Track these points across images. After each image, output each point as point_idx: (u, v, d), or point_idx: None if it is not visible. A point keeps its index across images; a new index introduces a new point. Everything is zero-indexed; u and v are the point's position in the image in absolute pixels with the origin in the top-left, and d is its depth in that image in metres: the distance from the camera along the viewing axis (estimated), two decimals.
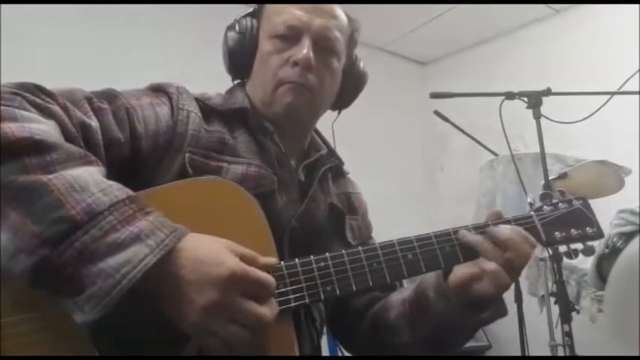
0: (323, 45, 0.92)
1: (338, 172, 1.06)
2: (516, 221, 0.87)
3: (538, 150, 1.75)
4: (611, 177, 2.01)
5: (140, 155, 0.79)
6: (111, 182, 0.65)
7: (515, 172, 1.82)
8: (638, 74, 1.81)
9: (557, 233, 0.88)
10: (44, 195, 0.59)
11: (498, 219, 0.87)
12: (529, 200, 0.96)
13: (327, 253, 0.77)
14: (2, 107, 0.65)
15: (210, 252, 0.64)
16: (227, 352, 0.64)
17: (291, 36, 0.91)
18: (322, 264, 0.76)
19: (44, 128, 0.65)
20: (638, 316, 1.10)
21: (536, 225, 0.88)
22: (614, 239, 1.90)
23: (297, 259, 0.75)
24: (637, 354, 1.04)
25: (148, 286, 0.61)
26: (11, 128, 0.62)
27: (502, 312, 0.86)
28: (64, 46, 2.41)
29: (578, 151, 2.17)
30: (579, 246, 0.91)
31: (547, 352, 2.18)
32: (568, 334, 1.73)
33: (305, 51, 0.89)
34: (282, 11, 0.93)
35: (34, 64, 2.09)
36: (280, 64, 0.91)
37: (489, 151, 2.39)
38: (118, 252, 0.59)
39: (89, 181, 0.62)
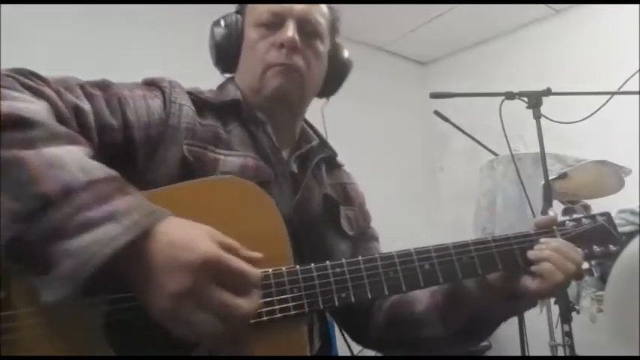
0: (307, 28, 0.94)
1: (332, 163, 1.07)
2: (537, 236, 0.86)
3: (538, 150, 1.75)
4: (611, 177, 2.01)
5: (133, 144, 0.79)
6: (93, 162, 0.64)
7: (515, 172, 1.81)
8: (638, 74, 1.81)
9: (579, 250, 0.86)
10: (21, 170, 0.59)
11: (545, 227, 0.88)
12: (551, 214, 0.95)
13: (344, 259, 0.76)
14: None
15: (185, 236, 0.62)
16: (197, 340, 0.62)
17: (275, 22, 0.93)
18: (338, 269, 0.75)
19: (32, 107, 0.65)
20: (638, 316, 1.10)
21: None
22: None
23: (312, 264, 0.74)
24: (637, 354, 1.04)
25: (121, 269, 0.59)
26: None
27: (534, 302, 0.88)
28: (64, 46, 2.41)
29: (578, 151, 2.17)
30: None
31: (547, 352, 2.18)
32: (568, 334, 1.73)
33: (290, 32, 0.91)
34: (260, 5, 0.95)
35: (34, 64, 2.08)
36: (267, 49, 0.92)
37: (489, 151, 2.39)
38: (89, 230, 0.58)
39: (69, 159, 0.62)
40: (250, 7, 0.98)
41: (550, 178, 1.76)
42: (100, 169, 0.63)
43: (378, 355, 1.05)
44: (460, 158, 3.48)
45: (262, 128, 0.92)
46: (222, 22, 0.99)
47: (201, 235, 0.63)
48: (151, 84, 0.89)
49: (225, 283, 0.61)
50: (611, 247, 0.89)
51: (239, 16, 0.99)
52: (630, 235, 1.85)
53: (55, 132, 0.65)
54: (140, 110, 0.82)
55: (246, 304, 0.62)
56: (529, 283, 0.82)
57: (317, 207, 0.96)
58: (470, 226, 2.49)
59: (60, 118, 0.70)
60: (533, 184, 1.85)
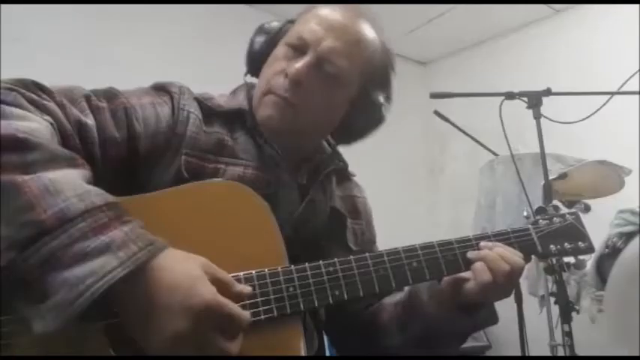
0: (326, 67, 0.87)
1: (343, 174, 1.04)
2: (514, 233, 0.90)
3: (538, 150, 1.75)
4: (611, 177, 2.01)
5: (137, 155, 0.79)
6: (90, 187, 0.63)
7: (515, 172, 1.81)
8: (638, 74, 1.81)
9: (552, 246, 0.92)
10: (17, 196, 0.58)
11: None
12: (525, 214, 1.00)
13: (336, 259, 0.78)
14: None
15: (186, 277, 0.62)
16: None
17: (299, 48, 0.88)
18: (331, 268, 0.77)
19: (33, 127, 0.64)
20: (638, 316, 1.10)
21: (533, 238, 0.91)
22: (614, 239, 1.91)
23: (306, 264, 0.76)
24: (637, 354, 1.04)
25: (116, 300, 0.59)
26: None
27: (492, 319, 0.90)
28: (64, 46, 2.41)
29: (578, 151, 2.17)
30: (571, 259, 0.96)
31: (547, 352, 2.18)
32: (568, 334, 1.73)
33: (299, 65, 0.85)
34: (306, 21, 0.90)
35: (34, 64, 2.09)
36: (276, 72, 0.88)
37: (489, 151, 2.39)
38: (85, 262, 0.57)
39: (66, 184, 0.60)
40: (297, 20, 0.94)
41: (550, 178, 1.76)
42: (97, 196, 0.62)
43: (378, 355, 1.05)
44: (460, 158, 3.48)
45: (266, 139, 0.89)
46: (266, 26, 0.96)
47: (200, 275, 0.63)
48: (161, 89, 0.87)
49: (218, 326, 0.63)
50: (580, 244, 0.93)
51: (285, 26, 0.94)
52: (630, 235, 1.85)
53: (55, 154, 0.63)
54: (148, 119, 0.81)
55: (234, 346, 0.64)
56: (468, 285, 0.85)
57: (322, 220, 0.94)
58: (470, 226, 2.48)
59: (63, 134, 0.69)
60: (533, 184, 1.85)
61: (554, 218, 0.94)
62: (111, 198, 0.63)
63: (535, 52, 3.28)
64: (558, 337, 1.93)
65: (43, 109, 0.69)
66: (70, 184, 0.61)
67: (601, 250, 1.93)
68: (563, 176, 1.94)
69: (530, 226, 0.93)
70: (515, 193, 2.15)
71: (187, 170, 0.80)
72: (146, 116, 0.81)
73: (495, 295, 0.86)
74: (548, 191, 1.71)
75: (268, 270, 0.73)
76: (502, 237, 0.89)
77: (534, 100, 1.72)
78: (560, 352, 1.99)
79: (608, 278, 1.31)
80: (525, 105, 1.74)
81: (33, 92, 0.70)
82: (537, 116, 1.73)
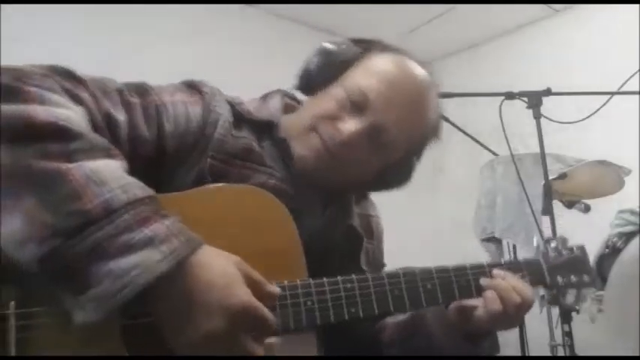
0: (380, 137, 0.85)
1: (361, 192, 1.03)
2: (526, 263, 0.93)
3: (538, 150, 1.75)
4: (611, 177, 2.01)
5: (164, 155, 0.77)
6: (131, 179, 0.63)
7: (515, 172, 1.81)
8: (638, 74, 1.81)
9: (559, 278, 0.94)
10: (62, 184, 0.57)
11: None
12: (534, 244, 1.01)
13: (354, 275, 0.78)
14: (32, 88, 0.63)
15: (223, 275, 0.62)
16: None
17: (357, 101, 0.85)
18: (349, 285, 0.77)
19: (71, 115, 0.63)
20: (638, 316, 1.10)
21: (543, 269, 0.94)
22: (614, 239, 1.91)
23: (324, 278, 0.76)
24: (637, 354, 1.05)
25: (152, 295, 0.59)
26: (37, 111, 0.60)
27: (495, 349, 0.91)
28: (64, 46, 2.41)
29: (578, 151, 2.17)
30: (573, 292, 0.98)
31: (547, 352, 2.18)
32: (568, 334, 1.73)
33: (355, 129, 0.83)
34: (372, 75, 0.86)
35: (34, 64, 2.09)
36: (328, 116, 0.85)
37: (489, 151, 2.39)
38: (130, 253, 0.57)
39: (109, 175, 0.60)
40: (365, 61, 0.89)
41: (550, 178, 1.76)
42: (139, 188, 0.62)
43: (378, 355, 1.05)
44: (460, 158, 3.48)
45: (287, 152, 0.87)
46: (329, 49, 0.90)
47: (236, 274, 0.63)
48: (192, 87, 0.86)
49: (251, 328, 0.63)
50: (585, 278, 0.96)
51: (354, 59, 0.90)
52: (630, 235, 1.85)
53: (94, 144, 0.63)
54: (178, 118, 0.79)
55: (260, 349, 0.64)
56: (477, 312, 0.85)
57: (337, 237, 0.93)
58: (470, 226, 2.49)
59: (94, 126, 0.68)
60: (533, 184, 1.85)
61: (563, 251, 0.96)
62: (151, 191, 0.63)
63: (535, 52, 3.28)
64: (558, 337, 1.93)
65: (76, 99, 0.68)
66: (113, 175, 0.61)
67: (601, 250, 1.93)
68: (563, 176, 1.94)
69: (540, 258, 0.95)
70: (515, 193, 2.15)
71: (211, 173, 0.79)
72: (177, 115, 0.79)
73: (502, 325, 0.86)
74: (548, 191, 1.71)
75: (287, 282, 0.73)
76: (514, 266, 0.90)
77: (534, 100, 1.72)
78: (560, 352, 1.99)
79: (608, 278, 1.31)
80: (525, 105, 1.74)
81: (67, 80, 0.69)
82: (537, 116, 1.73)
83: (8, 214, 0.57)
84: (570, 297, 0.96)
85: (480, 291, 0.85)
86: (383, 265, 1.06)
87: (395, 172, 0.94)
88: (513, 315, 0.84)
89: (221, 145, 0.81)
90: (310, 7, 3.18)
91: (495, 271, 0.87)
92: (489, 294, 0.84)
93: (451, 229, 3.42)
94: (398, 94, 0.86)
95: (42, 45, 2.34)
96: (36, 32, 2.36)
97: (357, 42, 0.93)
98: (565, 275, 0.94)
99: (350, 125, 0.84)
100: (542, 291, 0.96)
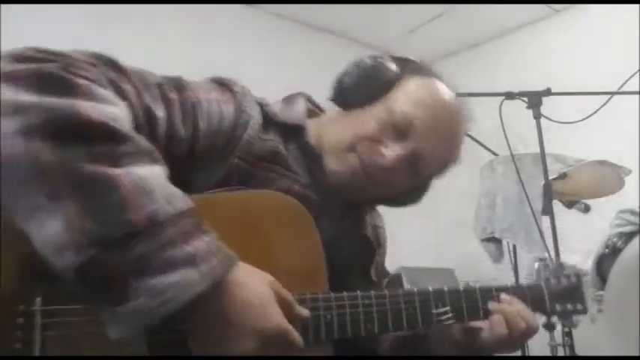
0: (417, 165, 0.86)
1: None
2: (529, 288, 0.94)
3: (538, 150, 1.75)
4: (611, 177, 2.01)
5: (194, 154, 0.76)
6: (174, 189, 0.60)
7: (515, 172, 1.81)
8: (638, 74, 1.81)
9: (557, 305, 0.96)
10: (109, 191, 0.54)
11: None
12: (536, 267, 1.03)
13: (372, 291, 0.79)
14: (81, 81, 0.60)
15: (259, 296, 0.62)
16: None
17: (401, 128, 0.84)
18: (367, 301, 0.77)
19: (118, 113, 0.60)
20: (638, 316, 1.10)
21: (545, 295, 0.95)
22: (614, 239, 1.90)
23: (344, 292, 0.76)
24: (637, 354, 1.05)
25: (187, 311, 0.57)
26: (87, 108, 0.57)
27: None
28: (64, 46, 2.41)
29: (578, 151, 2.17)
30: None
31: (547, 352, 2.18)
32: (568, 334, 1.73)
33: (395, 156, 0.83)
34: (417, 100, 0.86)
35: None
36: (369, 138, 0.84)
37: (489, 151, 2.39)
38: (172, 271, 0.55)
39: (155, 183, 0.57)
40: (406, 86, 0.88)
41: (550, 178, 1.76)
42: (182, 199, 0.59)
43: (378, 355, 1.06)
44: (460, 158, 3.47)
45: (315, 160, 0.86)
46: (377, 65, 0.88)
47: (270, 296, 0.63)
48: (223, 85, 0.84)
49: (280, 349, 0.63)
50: (579, 306, 0.98)
51: (395, 79, 0.88)
52: (630, 235, 1.85)
53: (140, 148, 0.60)
54: (212, 116, 0.77)
55: None
56: (482, 334, 0.87)
57: (352, 247, 0.93)
58: (470, 226, 2.49)
59: (135, 122, 0.65)
60: (533, 184, 1.85)
61: (562, 278, 0.98)
62: (191, 202, 0.61)
63: (535, 52, 3.28)
64: (558, 337, 1.93)
65: (119, 92, 0.65)
66: (158, 184, 0.58)
67: (601, 250, 1.92)
68: (563, 176, 1.94)
69: (542, 283, 0.96)
70: (515, 193, 2.15)
71: (238, 175, 0.78)
72: (211, 113, 0.77)
73: (505, 348, 0.88)
74: (548, 191, 1.71)
75: (309, 294, 0.73)
76: (518, 291, 0.92)
77: (534, 100, 1.72)
78: (560, 352, 1.99)
79: (608, 278, 1.31)
80: (525, 105, 1.74)
81: (112, 70, 0.67)
82: (537, 116, 1.73)
83: (47, 216, 0.53)
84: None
85: (487, 314, 0.87)
86: (387, 274, 1.07)
87: (413, 193, 0.97)
88: (517, 340, 0.86)
89: (249, 146, 0.80)
90: (310, 7, 3.18)
91: (503, 296, 0.88)
92: (496, 318, 0.85)
93: (451, 229, 3.42)
94: (439, 124, 0.87)
95: (42, 45, 2.34)
96: (36, 32, 2.36)
97: (395, 60, 0.91)
98: (562, 303, 0.96)
99: (392, 151, 0.84)
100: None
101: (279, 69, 2.96)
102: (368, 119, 0.86)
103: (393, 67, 0.89)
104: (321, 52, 3.39)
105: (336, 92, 0.90)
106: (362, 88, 0.88)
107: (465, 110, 0.93)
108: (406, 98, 0.86)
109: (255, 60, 3.00)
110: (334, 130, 0.88)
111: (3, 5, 2.25)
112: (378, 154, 0.84)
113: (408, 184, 0.91)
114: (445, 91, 0.90)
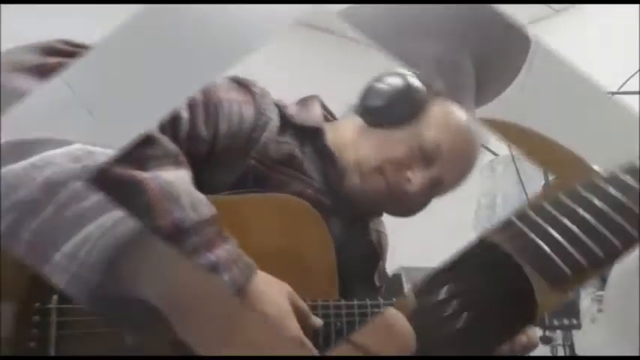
0: (436, 187, 0.89)
1: None
2: None
3: None
4: None
5: (212, 154, 0.75)
6: (199, 195, 0.60)
7: (516, 172, 1.81)
8: (638, 74, 1.81)
9: (554, 320, 0.98)
10: (136, 195, 0.53)
11: None
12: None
13: (380, 299, 0.79)
14: None
15: (278, 308, 0.62)
16: None
17: (430, 155, 0.85)
18: (376, 309, 0.77)
19: None
20: (638, 316, 1.10)
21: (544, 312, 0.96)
22: None
23: (355, 300, 0.77)
24: (637, 354, 1.05)
25: None
26: None
27: None
28: None
29: None
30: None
31: (547, 352, 2.18)
32: (568, 335, 1.73)
33: (420, 182, 0.85)
34: (448, 126, 0.86)
35: None
36: (400, 162, 0.85)
37: (489, 151, 2.39)
38: None
39: (181, 188, 0.57)
40: (435, 111, 0.87)
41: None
42: (206, 206, 0.59)
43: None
44: None
45: (333, 165, 0.86)
46: (410, 85, 0.86)
47: (289, 308, 0.64)
48: (242, 85, 0.83)
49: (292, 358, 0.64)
50: (574, 321, 1.00)
51: (424, 102, 0.87)
52: None
53: (166, 150, 0.59)
54: (233, 117, 0.77)
55: None
56: None
57: (357, 253, 0.92)
58: (470, 226, 2.48)
59: (159, 123, 0.64)
60: (533, 184, 1.85)
61: None
62: (213, 208, 0.60)
63: None
64: (558, 337, 1.93)
65: None
66: (184, 189, 0.57)
67: None
68: None
69: None
70: (515, 193, 2.15)
71: (253, 176, 0.78)
72: (231, 114, 0.77)
73: None
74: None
75: (321, 301, 0.73)
76: None
77: None
78: (560, 352, 1.99)
79: (608, 278, 1.31)
80: None
81: None
82: None
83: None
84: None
85: None
86: (387, 278, 1.07)
87: (420, 208, 0.97)
88: (518, 353, 0.85)
89: (265, 148, 0.79)
90: (310, 7, 3.18)
91: None
92: None
93: (451, 229, 3.42)
94: (463, 153, 0.88)
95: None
96: (36, 32, 2.36)
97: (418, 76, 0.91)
98: (560, 319, 0.97)
99: (420, 177, 0.85)
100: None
101: (279, 69, 2.96)
102: (397, 142, 0.86)
103: (421, 87, 0.88)
104: (321, 52, 3.39)
105: (363, 108, 0.89)
106: (392, 109, 0.86)
107: (482, 134, 0.93)
108: (436, 124, 0.87)
109: (255, 60, 3.00)
110: (359, 146, 0.88)
111: (3, 5, 2.26)
112: (406, 179, 0.85)
113: (422, 203, 0.93)
114: (471, 120, 0.90)
